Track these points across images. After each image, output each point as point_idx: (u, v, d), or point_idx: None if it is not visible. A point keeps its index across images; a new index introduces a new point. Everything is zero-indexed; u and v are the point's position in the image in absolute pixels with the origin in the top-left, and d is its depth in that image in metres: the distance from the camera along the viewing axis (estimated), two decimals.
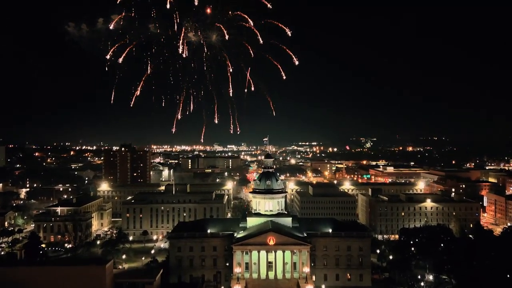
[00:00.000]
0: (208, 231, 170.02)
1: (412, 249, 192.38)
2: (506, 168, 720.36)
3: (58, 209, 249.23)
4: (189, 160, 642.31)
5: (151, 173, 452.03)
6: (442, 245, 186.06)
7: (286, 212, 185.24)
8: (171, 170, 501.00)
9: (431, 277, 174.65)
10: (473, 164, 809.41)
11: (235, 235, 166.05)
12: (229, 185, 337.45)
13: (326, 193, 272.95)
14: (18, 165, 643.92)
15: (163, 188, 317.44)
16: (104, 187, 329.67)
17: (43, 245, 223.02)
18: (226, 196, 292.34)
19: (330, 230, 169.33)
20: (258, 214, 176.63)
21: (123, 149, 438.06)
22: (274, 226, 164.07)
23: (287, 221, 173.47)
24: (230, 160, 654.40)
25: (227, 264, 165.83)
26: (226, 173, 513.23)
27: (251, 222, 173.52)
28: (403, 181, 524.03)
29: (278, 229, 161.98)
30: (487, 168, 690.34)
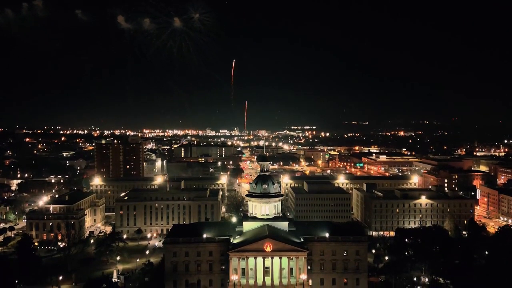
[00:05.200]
0: (204, 235, 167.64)
1: (408, 249, 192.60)
2: (497, 154, 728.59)
3: (51, 207, 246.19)
4: (182, 149, 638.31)
5: (144, 164, 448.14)
6: (438, 246, 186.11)
7: (282, 215, 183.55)
8: (164, 161, 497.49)
9: (426, 280, 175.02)
10: (464, 150, 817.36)
11: (231, 240, 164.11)
12: (223, 179, 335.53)
13: (321, 190, 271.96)
14: (8, 152, 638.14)
15: (156, 182, 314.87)
16: (97, 181, 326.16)
17: (36, 244, 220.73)
18: (221, 192, 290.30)
19: (327, 234, 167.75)
20: (254, 218, 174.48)
21: (115, 141, 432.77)
22: (270, 231, 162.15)
23: (284, 225, 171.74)
24: (224, 149, 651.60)
25: (223, 268, 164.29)
26: (219, 163, 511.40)
27: (247, 226, 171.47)
28: (396, 170, 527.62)
29: (275, 235, 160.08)
30: (478, 155, 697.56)
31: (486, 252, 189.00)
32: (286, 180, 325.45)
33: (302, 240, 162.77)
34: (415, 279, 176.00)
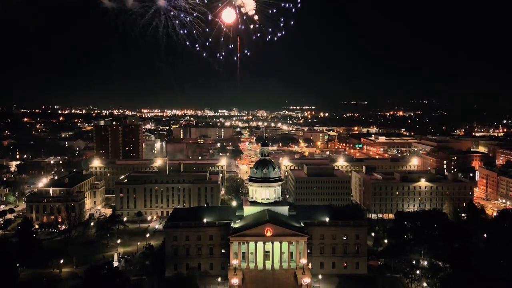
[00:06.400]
0: (204, 220, 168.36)
1: (408, 233, 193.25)
2: (496, 134, 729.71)
3: (50, 190, 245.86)
4: (181, 130, 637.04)
5: (143, 145, 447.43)
6: (437, 230, 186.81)
7: (282, 199, 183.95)
8: (163, 143, 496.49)
9: (425, 263, 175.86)
10: (463, 130, 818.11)
11: (231, 225, 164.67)
12: (223, 162, 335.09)
13: (321, 173, 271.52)
14: (7, 132, 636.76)
15: (156, 164, 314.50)
16: (96, 163, 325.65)
17: (36, 226, 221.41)
18: (220, 175, 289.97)
19: (327, 219, 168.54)
20: (255, 203, 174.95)
21: (114, 123, 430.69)
22: (271, 216, 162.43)
23: (284, 209, 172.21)
24: (223, 130, 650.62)
25: (223, 252, 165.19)
26: (218, 144, 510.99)
27: (248, 210, 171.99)
28: (395, 151, 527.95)
29: (276, 220, 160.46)
30: (477, 135, 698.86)
31: (485, 235, 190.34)
32: (285, 163, 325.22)
33: (302, 225, 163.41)
34: (414, 262, 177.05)
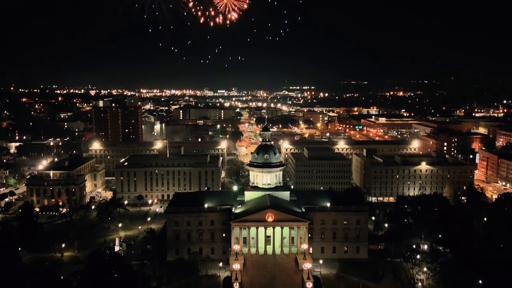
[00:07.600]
0: (205, 205, 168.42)
1: (408, 217, 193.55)
2: (496, 115, 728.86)
3: (51, 173, 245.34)
4: (181, 111, 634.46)
5: (143, 127, 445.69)
6: (437, 214, 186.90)
7: (284, 184, 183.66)
8: (163, 125, 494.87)
9: (426, 247, 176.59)
10: (463, 111, 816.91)
11: (232, 210, 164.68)
12: (223, 144, 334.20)
13: (321, 157, 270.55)
14: (5, 113, 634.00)
15: (156, 147, 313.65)
16: (96, 146, 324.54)
17: (37, 209, 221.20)
18: (221, 158, 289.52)
19: (328, 204, 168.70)
20: (256, 188, 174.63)
21: (113, 105, 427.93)
22: (272, 201, 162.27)
23: (285, 195, 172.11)
24: (222, 111, 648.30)
25: (224, 236, 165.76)
26: (218, 126, 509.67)
27: (249, 195, 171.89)
28: (395, 132, 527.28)
29: (277, 206, 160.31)
30: (477, 116, 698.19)
31: (485, 219, 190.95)
32: (285, 146, 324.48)
33: (304, 210, 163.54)
34: (414, 246, 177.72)
